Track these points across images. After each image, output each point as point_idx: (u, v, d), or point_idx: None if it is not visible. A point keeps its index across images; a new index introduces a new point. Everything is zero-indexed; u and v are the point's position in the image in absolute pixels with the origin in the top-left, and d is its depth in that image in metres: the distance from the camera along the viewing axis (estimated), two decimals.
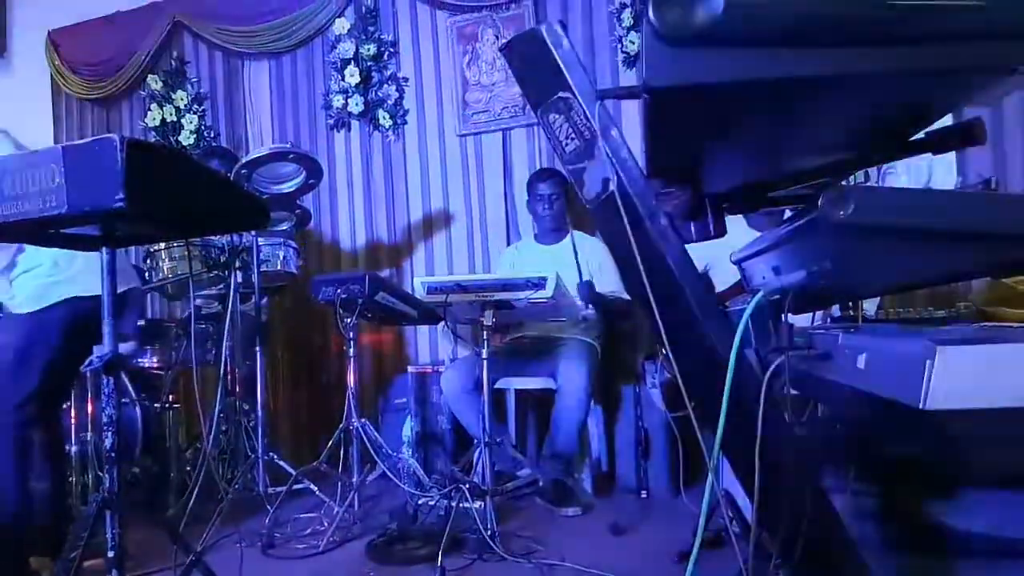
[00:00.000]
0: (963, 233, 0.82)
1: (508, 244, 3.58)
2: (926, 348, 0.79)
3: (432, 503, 2.36)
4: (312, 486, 2.57)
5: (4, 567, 1.93)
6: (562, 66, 1.31)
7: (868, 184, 1.43)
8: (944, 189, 1.95)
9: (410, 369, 3.23)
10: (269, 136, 4.11)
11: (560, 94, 1.37)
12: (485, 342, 2.39)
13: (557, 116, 1.41)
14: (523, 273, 2.30)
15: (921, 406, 0.79)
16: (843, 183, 1.26)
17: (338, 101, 3.91)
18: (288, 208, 3.01)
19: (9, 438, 1.96)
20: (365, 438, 2.56)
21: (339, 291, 2.46)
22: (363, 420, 2.61)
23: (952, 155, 2.52)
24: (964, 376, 0.78)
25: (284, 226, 3.07)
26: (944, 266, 0.94)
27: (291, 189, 2.88)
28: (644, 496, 2.81)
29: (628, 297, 2.96)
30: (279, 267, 2.97)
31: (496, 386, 2.87)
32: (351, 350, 2.71)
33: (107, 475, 1.29)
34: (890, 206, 0.85)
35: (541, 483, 2.64)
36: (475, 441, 2.69)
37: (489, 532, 2.15)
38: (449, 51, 3.78)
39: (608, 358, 3.08)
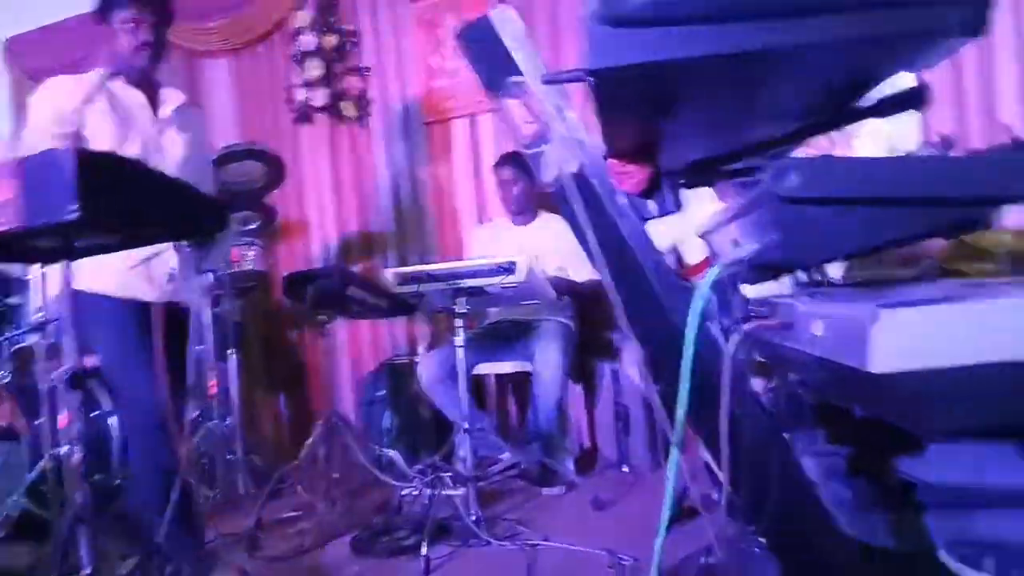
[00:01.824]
0: (906, 199, 0.84)
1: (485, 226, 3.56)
2: (870, 312, 0.80)
3: (416, 493, 2.37)
4: (294, 485, 2.57)
5: None
6: (512, 52, 1.31)
7: (812, 155, 1.45)
8: (885, 156, 1.98)
9: (387, 361, 3.23)
10: (232, 134, 4.05)
11: (513, 79, 1.37)
12: (459, 330, 2.40)
13: (512, 101, 1.41)
14: (493, 259, 2.30)
15: (869, 369, 0.81)
16: (788, 155, 1.28)
17: (301, 95, 3.87)
18: (253, 207, 2.98)
19: None
20: (345, 433, 2.56)
21: (310, 288, 2.44)
22: (342, 414, 2.61)
23: (917, 115, 2.55)
24: (907, 338, 0.80)
25: (251, 225, 3.04)
26: (892, 231, 0.96)
27: (255, 187, 2.86)
28: (626, 471, 2.84)
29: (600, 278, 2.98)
30: (248, 267, 2.95)
31: (474, 372, 2.88)
32: (325, 346, 2.70)
33: (78, 491, 1.29)
34: (832, 177, 0.86)
35: (523, 465, 2.67)
36: (455, 429, 2.71)
37: (473, 518, 2.17)
38: (412, 38, 3.75)
39: (585, 336, 3.11)
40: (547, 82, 1.20)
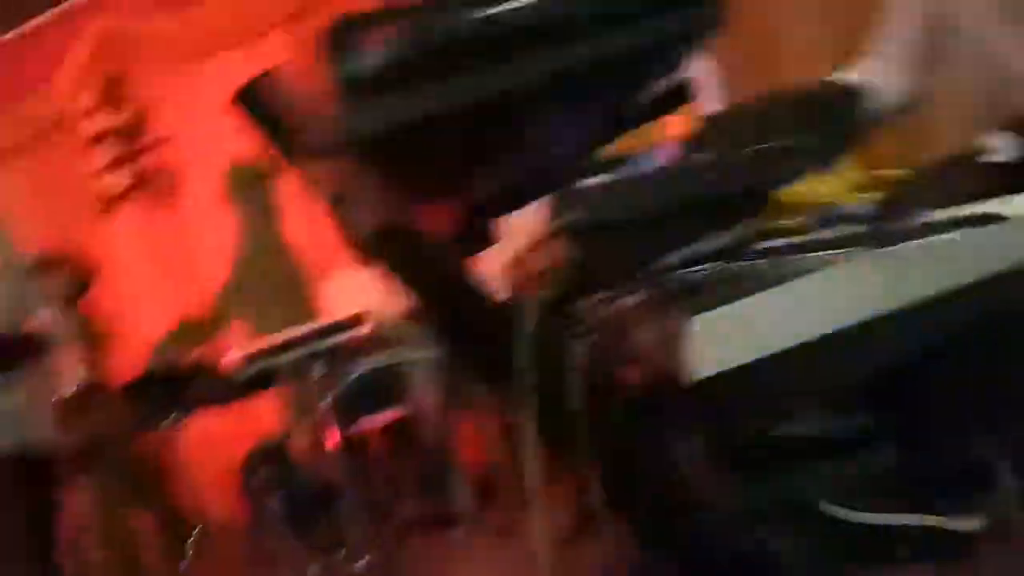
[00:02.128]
0: (679, 209, 0.86)
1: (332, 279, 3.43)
2: (681, 322, 0.81)
3: None
4: None
5: None
6: (281, 119, 1.24)
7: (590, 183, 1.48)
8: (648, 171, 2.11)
9: (260, 443, 3.05)
10: (34, 242, 3.67)
11: (295, 143, 1.31)
12: (323, 395, 2.29)
13: (305, 164, 1.34)
14: (335, 317, 2.22)
15: (690, 376, 0.81)
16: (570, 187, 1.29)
17: (102, 181, 3.59)
18: (68, 317, 2.73)
19: None
20: (224, 537, 2.38)
21: (149, 397, 2.26)
22: (217, 519, 2.43)
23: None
24: (718, 339, 0.80)
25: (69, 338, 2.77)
26: (689, 233, 0.98)
27: (67, 295, 2.61)
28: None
29: None
30: (77, 384, 2.68)
31: (352, 431, 2.76)
32: (187, 444, 2.51)
33: None
34: (607, 203, 0.86)
35: (421, 514, 2.59)
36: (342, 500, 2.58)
37: None
38: (213, 96, 3.55)
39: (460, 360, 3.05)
40: (313, 155, 1.14)
